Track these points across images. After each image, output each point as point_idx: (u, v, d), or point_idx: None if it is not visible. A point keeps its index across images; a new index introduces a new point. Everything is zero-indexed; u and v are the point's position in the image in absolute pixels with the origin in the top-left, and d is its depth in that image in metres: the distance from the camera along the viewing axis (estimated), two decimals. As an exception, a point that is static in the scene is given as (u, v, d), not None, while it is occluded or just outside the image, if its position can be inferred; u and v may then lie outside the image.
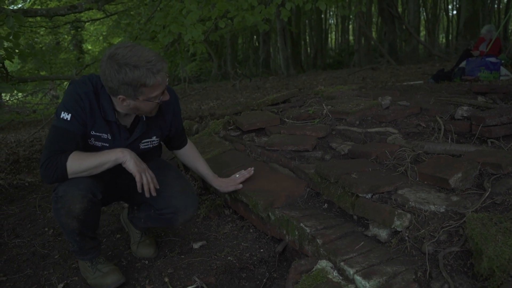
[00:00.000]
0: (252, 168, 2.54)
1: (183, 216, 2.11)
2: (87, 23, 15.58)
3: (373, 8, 24.23)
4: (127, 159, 1.93)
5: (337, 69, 20.85)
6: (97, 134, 1.98)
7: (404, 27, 17.05)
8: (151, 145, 2.18)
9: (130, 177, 2.05)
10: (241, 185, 2.48)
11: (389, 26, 15.85)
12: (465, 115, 2.75)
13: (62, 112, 1.87)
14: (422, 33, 29.70)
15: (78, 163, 1.87)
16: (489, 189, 1.86)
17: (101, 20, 13.14)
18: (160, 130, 2.19)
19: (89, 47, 20.64)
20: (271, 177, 2.54)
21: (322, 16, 27.36)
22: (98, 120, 1.95)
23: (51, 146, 1.87)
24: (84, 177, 1.89)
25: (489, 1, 19.79)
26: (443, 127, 2.63)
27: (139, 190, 1.96)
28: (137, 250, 2.39)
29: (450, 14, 29.81)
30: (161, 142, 2.32)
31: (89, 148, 1.97)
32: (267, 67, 22.12)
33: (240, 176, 2.52)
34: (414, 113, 3.11)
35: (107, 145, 2.01)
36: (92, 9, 5.44)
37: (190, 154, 2.48)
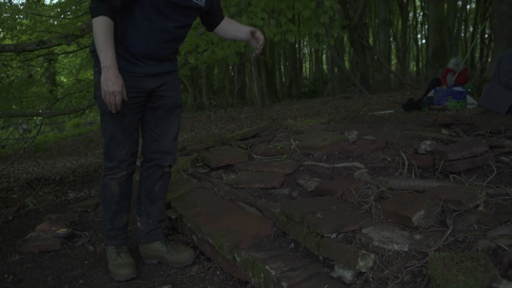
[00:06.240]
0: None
1: (166, 164, 2.56)
2: (60, 56, 15.47)
3: (345, 38, 24.79)
4: (102, 68, 2.09)
5: (311, 98, 21.14)
6: None
7: (375, 57, 17.48)
8: (201, 4, 2.35)
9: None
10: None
11: (360, 57, 16.23)
12: (428, 149, 2.79)
13: None
14: (394, 61, 30.46)
15: (97, 30, 2.08)
16: (451, 226, 1.87)
17: (75, 52, 13.08)
18: None
19: (63, 80, 20.44)
20: (238, 217, 2.51)
21: (296, 45, 27.84)
22: None
23: None
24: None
25: (455, 31, 20.50)
26: (406, 162, 2.66)
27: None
28: (175, 255, 2.57)
29: (419, 43, 30.75)
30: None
31: None
32: (243, 97, 22.28)
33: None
34: (380, 147, 3.14)
35: None
36: (62, 44, 5.40)
37: (230, 26, 2.65)
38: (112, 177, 2.44)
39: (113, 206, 2.49)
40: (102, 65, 2.09)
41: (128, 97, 2.25)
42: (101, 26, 2.07)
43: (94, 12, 2.07)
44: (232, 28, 2.64)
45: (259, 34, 2.50)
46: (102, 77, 2.10)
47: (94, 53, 2.28)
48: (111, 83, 2.08)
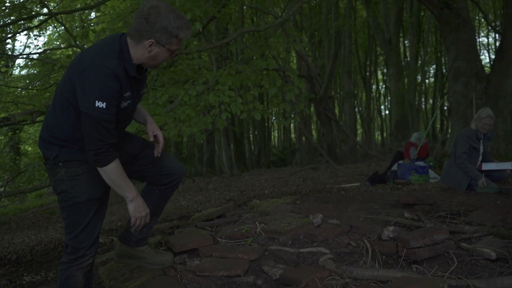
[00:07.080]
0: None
1: (182, 177, 2.69)
2: (25, 126, 15.28)
3: (312, 108, 25.56)
4: (129, 201, 2.28)
5: (280, 167, 21.32)
6: (125, 95, 2.18)
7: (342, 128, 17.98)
8: (142, 92, 2.43)
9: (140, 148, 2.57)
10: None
11: (327, 128, 16.68)
12: (391, 235, 2.82)
13: (97, 101, 2.03)
14: (359, 131, 31.40)
15: (113, 174, 2.19)
16: (415, 323, 1.85)
17: (41, 122, 12.97)
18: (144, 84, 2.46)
19: (28, 148, 20.04)
20: (200, 309, 2.42)
21: (265, 115, 28.37)
22: (126, 81, 2.15)
23: (97, 137, 2.09)
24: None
25: (416, 103, 21.51)
26: (370, 249, 2.67)
27: (132, 228, 2.41)
28: (158, 258, 2.85)
29: (383, 113, 31.96)
30: None
31: (119, 112, 2.17)
32: (212, 166, 22.26)
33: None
34: (345, 231, 3.15)
35: (130, 101, 2.24)
36: (26, 120, 5.36)
37: (141, 109, 2.66)
38: (78, 268, 2.34)
39: None
40: (129, 198, 2.27)
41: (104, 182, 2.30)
42: (115, 170, 2.20)
43: (103, 162, 2.16)
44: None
45: (160, 137, 2.55)
46: (132, 207, 2.30)
47: (55, 160, 2.28)
48: (142, 208, 2.35)
